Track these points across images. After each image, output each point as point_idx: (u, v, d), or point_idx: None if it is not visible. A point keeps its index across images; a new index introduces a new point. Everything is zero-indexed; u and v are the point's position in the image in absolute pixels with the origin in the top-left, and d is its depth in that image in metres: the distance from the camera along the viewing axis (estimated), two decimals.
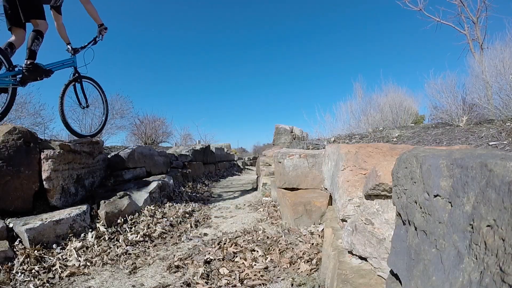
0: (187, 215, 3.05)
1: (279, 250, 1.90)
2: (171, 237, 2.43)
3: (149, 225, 2.56)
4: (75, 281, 1.67)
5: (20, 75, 2.53)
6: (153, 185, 3.31)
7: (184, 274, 1.71)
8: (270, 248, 1.96)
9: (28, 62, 2.55)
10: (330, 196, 2.25)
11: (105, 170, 3.22)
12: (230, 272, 1.67)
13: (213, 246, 2.08)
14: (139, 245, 2.23)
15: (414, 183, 0.79)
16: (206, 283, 1.56)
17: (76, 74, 3.04)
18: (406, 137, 3.22)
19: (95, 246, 2.06)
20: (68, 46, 3.03)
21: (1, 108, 2.55)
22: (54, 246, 1.95)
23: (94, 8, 2.95)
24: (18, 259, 1.72)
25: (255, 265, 1.74)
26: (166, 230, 2.54)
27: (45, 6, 2.73)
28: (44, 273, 1.68)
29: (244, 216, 3.05)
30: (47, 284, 1.60)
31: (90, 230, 2.23)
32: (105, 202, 2.52)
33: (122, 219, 2.52)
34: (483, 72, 3.74)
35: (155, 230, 2.49)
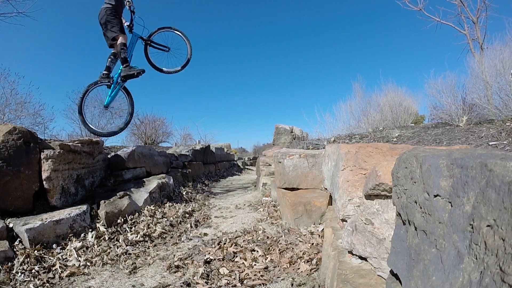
0: (187, 215, 3.05)
1: (279, 250, 1.90)
2: (171, 237, 2.43)
3: (149, 225, 2.56)
4: (75, 281, 1.67)
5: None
6: (153, 185, 3.31)
7: (184, 274, 1.71)
8: (270, 248, 1.96)
9: (124, 66, 3.69)
10: (330, 196, 2.25)
11: (105, 170, 3.22)
12: (230, 272, 1.67)
13: (213, 246, 2.08)
14: (139, 245, 2.23)
15: (414, 183, 0.79)
16: (206, 283, 1.56)
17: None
18: (406, 137, 3.22)
19: (95, 246, 2.06)
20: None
21: (128, 106, 3.84)
22: (54, 246, 1.95)
23: None
24: (18, 259, 1.72)
25: (255, 265, 1.74)
26: (166, 230, 2.54)
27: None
28: (44, 273, 1.68)
29: (244, 216, 3.05)
30: (47, 284, 1.60)
31: (90, 230, 2.22)
32: (105, 202, 2.52)
33: (122, 219, 2.52)
34: (483, 72, 3.74)
35: (155, 230, 2.49)
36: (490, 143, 2.11)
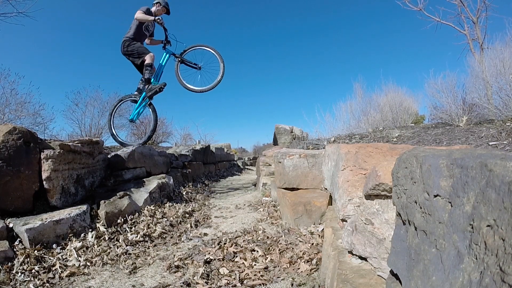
0: (187, 215, 3.05)
1: (279, 250, 1.90)
2: (171, 237, 2.43)
3: (149, 225, 2.56)
4: (75, 281, 1.67)
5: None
6: (153, 185, 3.30)
7: (184, 274, 1.71)
8: (270, 248, 1.96)
9: (146, 86, 4.01)
10: (330, 196, 2.25)
11: (105, 170, 3.22)
12: (230, 272, 1.67)
13: (213, 246, 2.08)
14: (139, 245, 2.23)
15: (414, 183, 0.79)
16: (206, 283, 1.56)
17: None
18: (406, 137, 3.22)
19: (95, 246, 2.06)
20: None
21: (153, 121, 4.26)
22: (54, 246, 1.95)
23: (142, 16, 3.92)
24: (18, 259, 1.72)
25: (255, 265, 1.74)
26: (166, 230, 2.54)
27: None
28: (44, 273, 1.68)
29: (244, 216, 3.05)
30: (47, 284, 1.60)
31: (90, 230, 2.22)
32: (105, 202, 2.52)
33: (122, 219, 2.52)
34: (483, 72, 3.74)
35: (155, 230, 2.49)
36: (490, 143, 2.11)
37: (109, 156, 3.36)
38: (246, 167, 11.99)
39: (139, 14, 3.88)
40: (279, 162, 2.81)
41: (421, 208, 0.74)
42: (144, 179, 3.47)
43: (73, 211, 2.20)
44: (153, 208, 2.95)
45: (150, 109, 4.17)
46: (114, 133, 4.24)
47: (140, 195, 3.01)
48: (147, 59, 3.87)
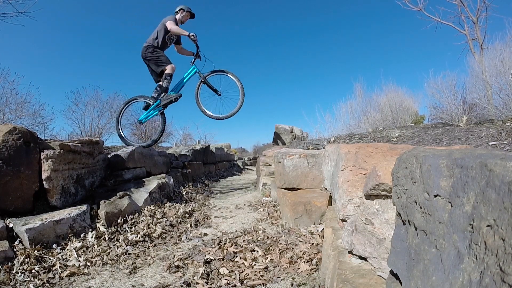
0: (187, 215, 3.05)
1: (279, 250, 1.90)
2: (171, 237, 2.43)
3: (149, 225, 2.56)
4: (75, 281, 1.67)
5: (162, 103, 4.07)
6: (153, 185, 3.30)
7: (184, 274, 1.71)
8: (270, 248, 1.96)
9: (163, 95, 3.99)
10: (330, 196, 2.25)
11: (105, 170, 3.22)
12: (230, 272, 1.67)
13: (213, 246, 2.08)
14: (139, 245, 2.23)
15: (414, 183, 0.79)
16: (206, 283, 1.56)
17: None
18: (406, 137, 3.22)
19: (95, 246, 2.06)
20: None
21: (160, 128, 4.26)
22: (54, 246, 1.95)
23: (177, 30, 3.92)
24: (18, 259, 1.72)
25: (255, 265, 1.74)
26: (166, 230, 2.54)
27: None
28: (44, 273, 1.68)
29: (244, 216, 3.05)
30: (47, 284, 1.60)
31: (90, 230, 2.22)
32: (105, 202, 2.52)
33: (122, 219, 2.52)
34: (483, 72, 3.74)
35: (155, 230, 2.49)
36: (490, 143, 2.11)
37: (109, 156, 3.36)
38: (246, 167, 11.99)
39: (174, 28, 3.84)
40: (279, 162, 2.81)
41: (421, 208, 0.74)
42: (144, 179, 3.47)
43: (73, 211, 2.20)
44: (153, 208, 2.95)
45: (160, 117, 4.18)
46: (122, 134, 4.24)
47: (140, 195, 3.01)
48: (168, 69, 3.89)
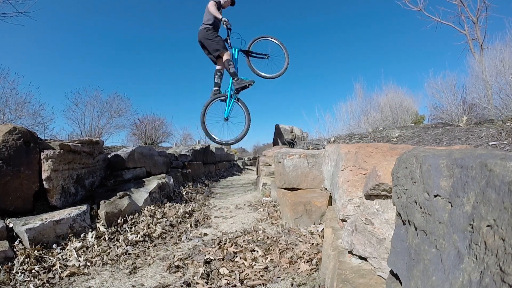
0: (187, 215, 3.05)
1: (279, 250, 1.90)
2: (171, 237, 2.43)
3: (149, 225, 2.56)
4: (75, 281, 1.67)
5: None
6: (153, 185, 3.31)
7: (184, 274, 1.71)
8: (270, 248, 1.96)
9: (235, 79, 3.97)
10: (330, 196, 2.25)
11: (105, 170, 3.22)
12: (230, 272, 1.67)
13: (213, 246, 2.08)
14: (139, 245, 2.23)
15: (414, 183, 0.79)
16: (206, 283, 1.56)
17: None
18: (406, 137, 3.22)
19: (95, 246, 2.06)
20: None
21: (246, 117, 4.16)
22: (54, 246, 1.95)
23: (213, 11, 3.88)
24: (18, 259, 1.72)
25: (255, 265, 1.74)
26: (166, 230, 2.54)
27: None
28: (44, 273, 1.68)
29: (244, 216, 3.05)
30: (47, 284, 1.60)
31: (90, 230, 2.22)
32: (105, 202, 2.52)
33: (122, 219, 2.52)
34: (483, 72, 3.74)
35: (155, 230, 2.49)
36: (490, 143, 2.11)
37: (109, 156, 3.36)
38: (246, 167, 11.99)
39: (212, 7, 3.84)
40: (279, 162, 2.81)
41: (421, 208, 0.74)
42: (144, 179, 3.47)
43: (73, 211, 2.20)
44: (153, 208, 2.95)
45: (240, 105, 4.14)
46: (212, 135, 4.16)
47: (140, 195, 3.01)
48: (226, 56, 3.89)
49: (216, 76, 4.06)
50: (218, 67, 4.07)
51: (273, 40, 4.37)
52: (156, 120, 10.12)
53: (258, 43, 4.38)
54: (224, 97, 4.09)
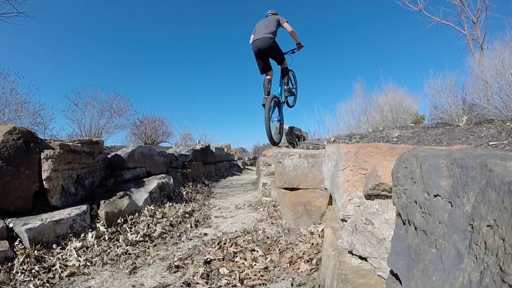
0: (187, 215, 3.05)
1: (279, 250, 1.90)
2: (171, 237, 2.43)
3: (149, 225, 2.56)
4: (75, 281, 1.67)
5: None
6: (153, 185, 3.31)
7: (184, 274, 1.71)
8: (270, 248, 1.96)
9: (286, 88, 4.54)
10: (330, 196, 2.25)
11: (105, 170, 3.22)
12: (230, 272, 1.67)
13: (213, 246, 2.08)
14: (139, 245, 2.23)
15: (414, 183, 0.79)
16: (206, 283, 1.56)
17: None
18: (406, 137, 3.22)
19: (95, 246, 2.06)
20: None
21: (278, 119, 4.69)
22: (54, 246, 1.95)
23: (294, 33, 4.36)
24: (18, 259, 1.72)
25: (255, 265, 1.74)
26: (166, 230, 2.54)
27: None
28: (44, 273, 1.68)
29: (244, 216, 3.05)
30: (47, 284, 1.60)
31: (90, 230, 2.22)
32: (105, 202, 2.52)
33: (122, 219, 2.52)
34: (483, 72, 3.74)
35: (155, 230, 2.49)
36: (490, 143, 2.11)
37: (109, 156, 3.36)
38: (246, 167, 11.98)
39: (294, 32, 4.28)
40: (279, 162, 2.81)
41: (421, 208, 0.74)
42: (144, 179, 3.47)
43: (73, 211, 2.20)
44: (153, 208, 2.95)
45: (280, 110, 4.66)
46: (274, 137, 4.45)
47: (140, 195, 3.01)
48: (285, 63, 4.43)
49: (269, 85, 4.43)
50: (268, 77, 4.44)
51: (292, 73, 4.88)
52: (156, 120, 10.13)
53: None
54: (279, 101, 4.53)
